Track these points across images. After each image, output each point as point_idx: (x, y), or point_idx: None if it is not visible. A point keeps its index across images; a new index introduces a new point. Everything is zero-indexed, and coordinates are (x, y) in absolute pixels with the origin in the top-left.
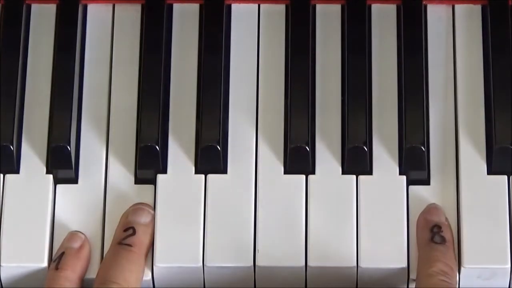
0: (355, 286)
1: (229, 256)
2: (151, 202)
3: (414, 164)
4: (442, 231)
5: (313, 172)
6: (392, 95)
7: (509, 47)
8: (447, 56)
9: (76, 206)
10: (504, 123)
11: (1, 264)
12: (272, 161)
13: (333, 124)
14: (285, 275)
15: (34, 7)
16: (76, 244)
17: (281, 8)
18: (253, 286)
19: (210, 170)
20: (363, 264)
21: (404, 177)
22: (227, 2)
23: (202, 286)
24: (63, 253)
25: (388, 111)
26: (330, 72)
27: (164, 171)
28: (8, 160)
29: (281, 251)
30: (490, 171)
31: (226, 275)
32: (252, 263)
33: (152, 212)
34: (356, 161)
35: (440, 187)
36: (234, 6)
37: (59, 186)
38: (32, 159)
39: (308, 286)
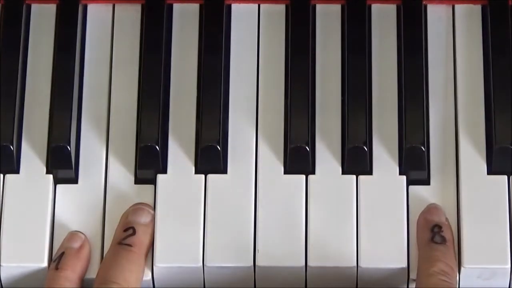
0: (355, 286)
1: (229, 256)
2: (151, 202)
3: (414, 164)
4: (442, 231)
5: (313, 172)
6: (392, 95)
7: (509, 47)
8: (447, 56)
9: (76, 206)
10: (504, 123)
11: (1, 264)
12: (272, 161)
13: (333, 124)
14: (285, 275)
15: (34, 7)
16: (76, 244)
17: (281, 8)
18: (253, 286)
19: (210, 170)
20: (363, 264)
21: (404, 177)
22: (227, 2)
23: (202, 286)
24: (63, 253)
25: (388, 111)
26: (330, 72)
27: (164, 171)
28: (8, 160)
29: (281, 251)
30: (490, 171)
31: (226, 275)
32: (252, 263)
33: (152, 212)
34: (356, 161)
35: (440, 187)
36: (234, 6)
37: (59, 186)
38: (32, 159)
39: (308, 286)
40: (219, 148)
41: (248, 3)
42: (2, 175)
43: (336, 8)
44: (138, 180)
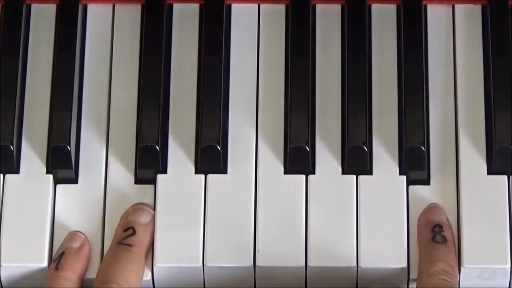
0: (355, 286)
1: (229, 256)
2: (151, 202)
3: (414, 164)
4: (443, 231)
5: (313, 172)
6: (392, 95)
7: (509, 47)
8: (447, 56)
9: (76, 206)
10: (504, 123)
11: (1, 264)
12: (272, 161)
13: (333, 124)
14: (285, 275)
15: (34, 7)
16: (76, 244)
17: (281, 8)
18: (253, 286)
19: (210, 170)
20: (363, 264)
21: (404, 177)
22: (227, 2)
23: (202, 286)
24: (63, 253)
25: (388, 111)
26: (330, 72)
27: (164, 171)
28: (8, 160)
29: (281, 251)
30: (490, 171)
31: (226, 275)
32: (252, 263)
33: (152, 212)
34: (356, 161)
35: (440, 187)
36: (234, 6)
37: (59, 186)
38: (32, 159)
39: (308, 286)
40: (219, 148)
41: (248, 3)
42: (2, 175)
43: (336, 8)
44: (138, 180)
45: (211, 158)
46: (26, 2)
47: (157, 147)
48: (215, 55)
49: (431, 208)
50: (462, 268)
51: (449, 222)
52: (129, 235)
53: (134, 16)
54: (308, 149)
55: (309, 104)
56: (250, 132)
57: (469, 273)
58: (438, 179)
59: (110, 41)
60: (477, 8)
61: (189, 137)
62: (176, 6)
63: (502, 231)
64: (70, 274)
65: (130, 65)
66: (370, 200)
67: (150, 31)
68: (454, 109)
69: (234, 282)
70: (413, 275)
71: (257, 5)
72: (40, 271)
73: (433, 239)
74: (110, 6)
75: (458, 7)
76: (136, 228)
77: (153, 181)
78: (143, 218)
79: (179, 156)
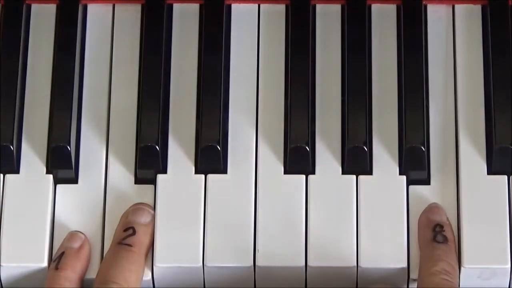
0: (355, 286)
1: (229, 256)
2: (151, 202)
3: (414, 164)
4: (444, 231)
5: (313, 172)
6: (392, 95)
7: (509, 47)
8: (447, 56)
9: (76, 206)
10: (504, 123)
11: (1, 264)
12: (272, 161)
13: (333, 124)
14: (285, 275)
15: (34, 7)
16: (76, 244)
17: (281, 8)
18: (253, 286)
19: (210, 170)
20: (363, 264)
21: (404, 177)
22: (227, 2)
23: (202, 286)
24: (63, 253)
25: (388, 111)
26: (330, 72)
27: (164, 171)
28: (8, 160)
29: (281, 251)
30: (490, 171)
31: (226, 275)
32: (252, 263)
33: (152, 212)
34: (356, 161)
35: (440, 187)
36: (234, 6)
37: (59, 186)
38: (32, 159)
39: (308, 286)
40: (219, 148)
41: (248, 3)
42: (2, 175)
43: (336, 8)
44: (138, 180)
45: (211, 158)
46: (26, 2)
47: (157, 147)
48: (215, 55)
49: (432, 208)
50: (462, 268)
51: (449, 222)
52: (129, 235)
53: (134, 16)
54: (308, 149)
55: (309, 104)
56: (250, 132)
57: (469, 273)
58: (438, 179)
59: (110, 41)
60: (477, 8)
61: (189, 137)
62: (176, 6)
63: (502, 231)
64: (70, 274)
65: (130, 65)
66: (370, 200)
67: (150, 31)
68: (454, 109)
69: (234, 282)
70: (413, 275)
71: (257, 5)
72: (40, 271)
73: (434, 238)
74: (110, 6)
75: (458, 7)
76: (136, 228)
77: (153, 181)
78: (143, 218)
79: (179, 156)
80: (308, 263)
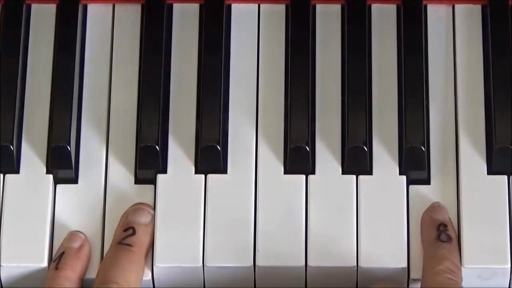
0: (355, 286)
1: (229, 256)
2: (151, 202)
3: (414, 164)
4: (448, 230)
5: (313, 172)
6: (392, 95)
7: (509, 47)
8: (447, 56)
9: (76, 206)
10: (504, 123)
11: (1, 264)
12: (272, 161)
13: (333, 124)
14: (285, 275)
15: (34, 7)
16: (76, 244)
17: (281, 8)
18: (253, 286)
19: (210, 170)
20: (363, 264)
21: (404, 177)
22: (227, 2)
23: (202, 286)
24: (63, 253)
25: (388, 111)
26: (330, 72)
27: (164, 171)
28: (8, 160)
29: (281, 251)
30: (490, 171)
31: (226, 275)
32: (252, 263)
33: (152, 212)
34: (356, 161)
35: (440, 187)
36: (234, 6)
37: (59, 186)
38: (32, 159)
39: (308, 286)
40: (219, 148)
41: (248, 3)
42: (2, 175)
43: (336, 8)
44: (138, 180)
45: (211, 158)
46: (26, 2)
47: (157, 147)
48: (215, 55)
49: (435, 207)
50: (462, 268)
51: (451, 221)
52: (129, 235)
53: (134, 16)
54: (308, 149)
55: (309, 104)
56: (250, 132)
57: (469, 273)
58: (438, 179)
59: (110, 41)
60: (477, 8)
61: (189, 137)
62: (176, 6)
63: (502, 231)
64: (70, 274)
65: (130, 65)
66: (370, 200)
67: (150, 31)
68: (454, 109)
69: (234, 282)
70: (413, 275)
71: (257, 5)
72: (40, 271)
73: (438, 238)
74: (110, 6)
75: (458, 7)
76: (136, 228)
77: (153, 181)
78: (143, 218)
79: (179, 156)
80: (308, 263)
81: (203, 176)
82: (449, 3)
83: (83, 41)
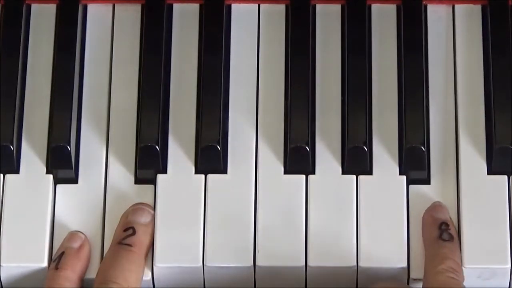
0: (355, 286)
1: (229, 256)
2: (151, 202)
3: (414, 164)
4: (449, 229)
5: (313, 172)
6: (392, 95)
7: (509, 47)
8: (447, 56)
9: (76, 206)
10: (504, 123)
11: (1, 264)
12: (272, 161)
13: (333, 124)
14: (285, 275)
15: (34, 7)
16: (76, 244)
17: (281, 8)
18: (253, 286)
19: (210, 170)
20: (363, 263)
21: (404, 177)
22: (227, 2)
23: (202, 286)
24: (63, 253)
25: (388, 111)
26: (330, 72)
27: (164, 171)
28: (8, 160)
29: (281, 251)
30: (490, 171)
31: (226, 275)
32: (252, 263)
33: (152, 212)
34: (356, 161)
35: (440, 187)
36: (234, 6)
37: (59, 186)
38: (32, 159)
39: (308, 286)
40: (219, 148)
41: (248, 3)
42: (2, 175)
43: (336, 8)
44: (138, 180)
45: (211, 158)
46: (26, 2)
47: (157, 147)
48: (215, 55)
49: (436, 206)
50: (462, 268)
51: (452, 220)
52: (129, 235)
53: (134, 16)
54: (308, 149)
55: (309, 104)
56: (250, 132)
57: (469, 273)
58: (438, 179)
59: (110, 41)
60: (477, 8)
61: (189, 137)
62: (176, 6)
63: (502, 231)
64: (70, 274)
65: (130, 65)
66: (370, 200)
67: (150, 31)
68: (454, 109)
69: (234, 282)
70: (413, 274)
71: (257, 5)
72: (40, 271)
73: (440, 237)
74: (110, 6)
75: (458, 7)
76: (136, 228)
77: (153, 181)
78: (143, 218)
79: (179, 156)
80: (308, 263)
81: (203, 176)
82: (449, 3)
83: (83, 41)
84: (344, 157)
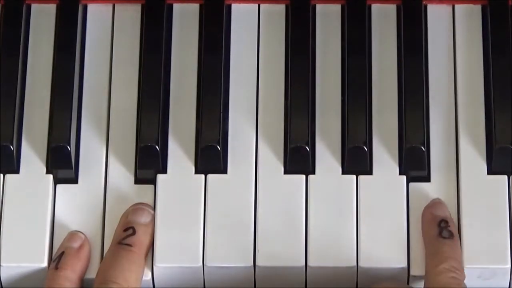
0: (355, 286)
1: (229, 256)
2: (151, 202)
3: (414, 164)
4: (449, 226)
5: (313, 172)
6: (392, 95)
7: (509, 47)
8: (447, 56)
9: (76, 206)
10: (504, 123)
11: (1, 264)
12: (272, 161)
13: (333, 124)
14: (285, 275)
15: (34, 7)
16: (76, 244)
17: (281, 8)
18: (253, 286)
19: (210, 170)
20: (363, 264)
21: (404, 177)
22: (227, 2)
23: (202, 286)
24: (63, 253)
25: (388, 111)
26: (330, 72)
27: (164, 171)
28: (8, 160)
29: (281, 251)
30: (490, 171)
31: (226, 275)
32: (252, 263)
33: (152, 212)
34: (356, 161)
35: (440, 187)
36: (234, 6)
37: (59, 186)
38: (32, 159)
39: (308, 286)
40: (219, 148)
41: (248, 3)
42: (2, 175)
43: (336, 8)
44: (138, 180)
45: (211, 158)
46: (26, 2)
47: (157, 147)
48: (215, 55)
49: (435, 203)
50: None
51: (451, 217)
52: (129, 235)
53: (134, 16)
54: (308, 149)
55: (309, 104)
56: (250, 132)
57: (469, 273)
58: (438, 179)
59: (110, 41)
60: (477, 8)
61: (189, 137)
62: (176, 6)
63: (502, 231)
64: (70, 274)
65: (130, 65)
66: (370, 200)
67: (150, 31)
68: (454, 109)
69: (234, 282)
70: (414, 271)
71: (257, 5)
72: (40, 271)
73: (440, 234)
74: (110, 6)
75: (458, 7)
76: (136, 228)
77: (153, 181)
78: (143, 218)
79: (179, 156)
80: (308, 263)
81: (203, 176)
82: (449, 3)
83: (83, 41)
84: (344, 157)
